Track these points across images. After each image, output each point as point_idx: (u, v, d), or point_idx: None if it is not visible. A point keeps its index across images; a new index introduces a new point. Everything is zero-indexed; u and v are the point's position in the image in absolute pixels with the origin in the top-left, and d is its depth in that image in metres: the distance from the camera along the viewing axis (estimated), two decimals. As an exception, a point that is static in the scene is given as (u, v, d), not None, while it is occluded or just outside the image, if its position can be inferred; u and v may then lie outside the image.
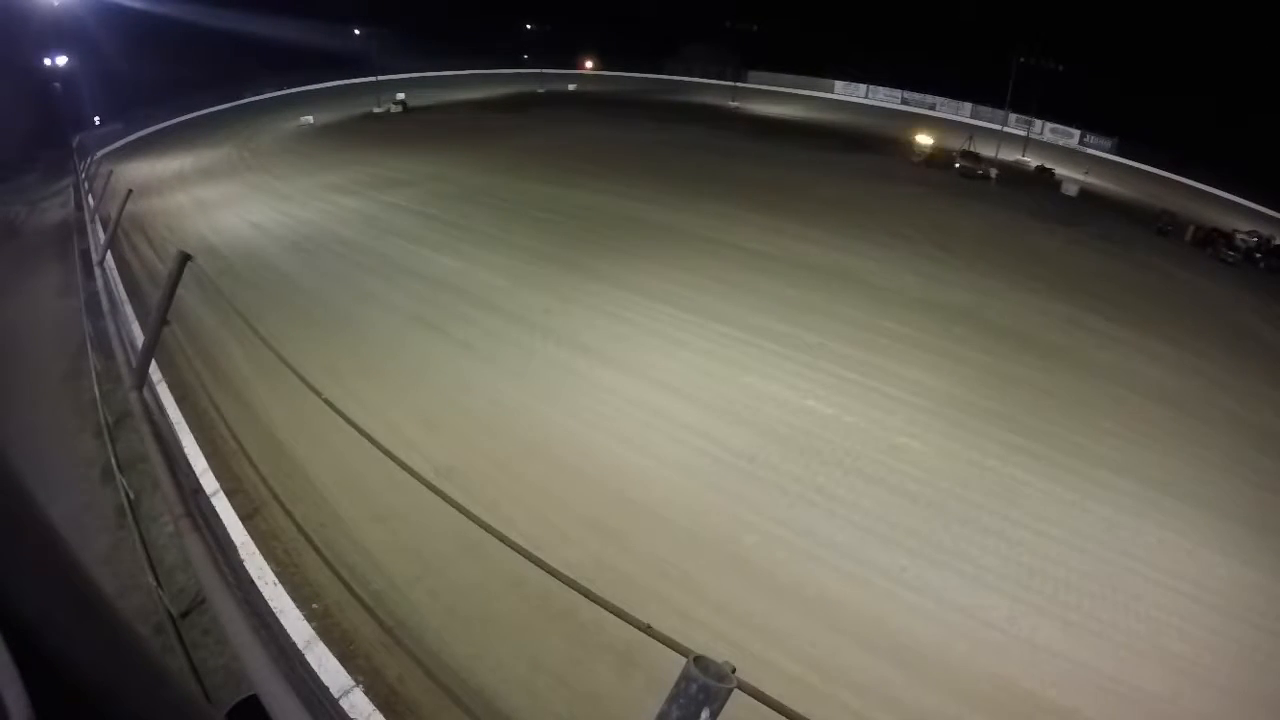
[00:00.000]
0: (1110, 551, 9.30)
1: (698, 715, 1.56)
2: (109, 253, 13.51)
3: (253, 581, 6.93)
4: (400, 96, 49.54)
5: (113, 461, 8.63)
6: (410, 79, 57.84)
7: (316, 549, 7.68)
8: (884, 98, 60.51)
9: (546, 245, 19.80)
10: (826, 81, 62.71)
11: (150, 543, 7.33)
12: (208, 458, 9.17)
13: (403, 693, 6.33)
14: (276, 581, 7.23)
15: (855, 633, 7.64)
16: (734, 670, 1.62)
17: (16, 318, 15.03)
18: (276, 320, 14.43)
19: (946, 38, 57.63)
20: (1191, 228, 30.53)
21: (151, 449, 3.87)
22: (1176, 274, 23.92)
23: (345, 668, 6.37)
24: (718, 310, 15.73)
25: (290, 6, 54.73)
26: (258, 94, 54.54)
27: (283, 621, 6.59)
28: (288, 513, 8.20)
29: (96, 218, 17.66)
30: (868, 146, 40.19)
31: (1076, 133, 50.17)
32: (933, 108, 57.43)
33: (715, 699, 1.57)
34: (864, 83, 61.58)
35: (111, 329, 9.74)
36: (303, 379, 3.99)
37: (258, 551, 7.61)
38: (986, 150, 39.16)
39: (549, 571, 2.30)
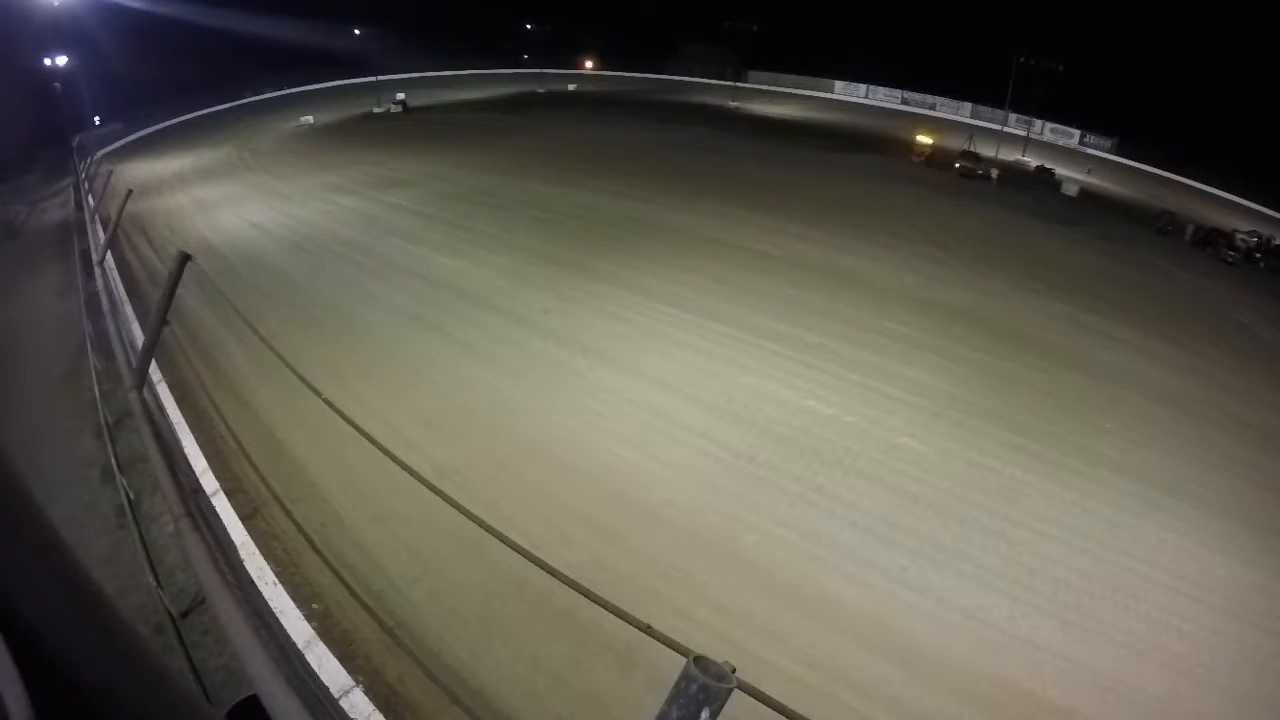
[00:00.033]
0: (1110, 551, 9.30)
1: (698, 715, 1.56)
2: (109, 253, 13.51)
3: (253, 581, 6.93)
4: (400, 96, 49.57)
5: (113, 461, 8.62)
6: (410, 79, 57.92)
7: (316, 549, 7.67)
8: (884, 98, 60.53)
9: (547, 245, 19.80)
10: (826, 81, 62.75)
11: (150, 543, 7.32)
12: (208, 458, 9.16)
13: (403, 693, 6.33)
14: (276, 581, 7.22)
15: (855, 632, 7.63)
16: (734, 670, 1.62)
17: (16, 318, 15.02)
18: (276, 320, 14.44)
19: (946, 38, 57.65)
20: (1191, 228, 30.56)
21: (151, 449, 3.87)
22: (1177, 274, 23.93)
23: (345, 668, 6.37)
24: (718, 310, 15.74)
25: (290, 6, 54.79)
26: (258, 94, 54.57)
27: (283, 621, 6.58)
28: (288, 513, 8.18)
29: (96, 218, 17.65)
30: (868, 146, 40.19)
31: (1076, 133, 50.22)
32: (933, 108, 57.45)
33: (715, 699, 1.57)
34: (864, 83, 61.60)
35: (111, 329, 9.73)
36: (303, 379, 3.99)
37: (258, 551, 7.60)
38: (986, 150, 39.19)
39: (549, 571, 2.29)
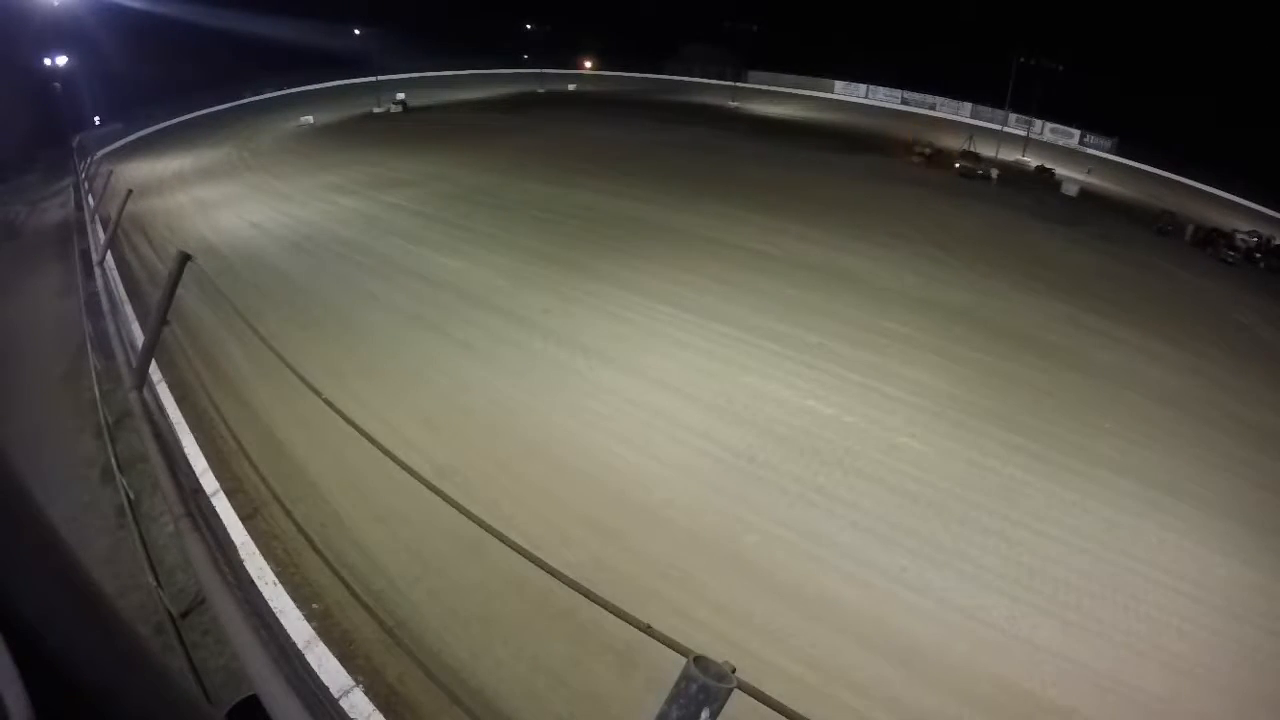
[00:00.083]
0: (1110, 551, 9.30)
1: (698, 715, 1.56)
2: (109, 253, 13.50)
3: (253, 581, 6.93)
4: (400, 96, 49.58)
5: (113, 461, 8.62)
6: (410, 79, 57.93)
7: (316, 549, 7.67)
8: (884, 98, 60.55)
9: (547, 245, 19.80)
10: (826, 81, 62.76)
11: (150, 543, 7.32)
12: (208, 458, 9.16)
13: (403, 693, 6.33)
14: (276, 581, 7.22)
15: (855, 632, 7.63)
16: (734, 670, 1.62)
17: (16, 318, 15.02)
18: (276, 320, 14.44)
19: (946, 38, 57.67)
20: (1191, 228, 30.57)
21: (151, 449, 3.87)
22: (1177, 274, 23.94)
23: (345, 668, 6.37)
24: (718, 310, 15.74)
25: (290, 6, 54.80)
26: (258, 94, 54.58)
27: (283, 621, 6.58)
28: (288, 513, 8.19)
29: (96, 218, 17.65)
30: (868, 146, 40.19)
31: (1076, 133, 50.24)
32: (933, 108, 57.47)
33: (715, 699, 1.57)
34: (864, 83, 61.61)
35: (111, 329, 9.73)
36: (303, 379, 3.99)
37: (258, 551, 7.60)
38: (986, 150, 39.21)
39: (549, 571, 2.29)
